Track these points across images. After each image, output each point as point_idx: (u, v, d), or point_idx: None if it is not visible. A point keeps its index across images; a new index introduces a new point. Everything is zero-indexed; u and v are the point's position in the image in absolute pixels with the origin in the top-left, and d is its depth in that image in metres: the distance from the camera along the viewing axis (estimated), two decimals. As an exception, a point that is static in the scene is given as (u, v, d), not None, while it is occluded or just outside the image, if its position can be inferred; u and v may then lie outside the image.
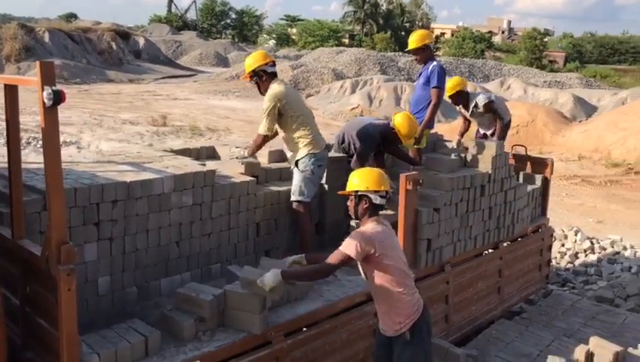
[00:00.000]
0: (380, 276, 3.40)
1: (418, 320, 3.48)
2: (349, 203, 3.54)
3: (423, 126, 5.76)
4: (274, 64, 4.78)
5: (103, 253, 3.70)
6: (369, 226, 3.42)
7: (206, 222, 4.26)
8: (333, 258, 3.36)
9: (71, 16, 75.73)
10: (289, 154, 4.88)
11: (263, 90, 4.74)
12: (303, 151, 4.72)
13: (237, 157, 5.02)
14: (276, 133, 4.99)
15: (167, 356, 3.30)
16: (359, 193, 3.46)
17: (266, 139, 4.83)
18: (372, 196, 3.43)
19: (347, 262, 3.36)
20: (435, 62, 5.90)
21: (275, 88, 4.67)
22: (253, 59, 4.75)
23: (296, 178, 4.75)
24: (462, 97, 6.64)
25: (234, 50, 57.32)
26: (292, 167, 4.83)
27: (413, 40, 5.95)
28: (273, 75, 4.75)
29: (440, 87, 5.79)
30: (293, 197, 4.72)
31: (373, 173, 3.55)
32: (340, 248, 3.35)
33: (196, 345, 3.43)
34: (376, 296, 3.55)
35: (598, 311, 6.54)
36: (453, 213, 5.13)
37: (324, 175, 5.04)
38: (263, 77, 4.71)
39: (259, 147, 4.91)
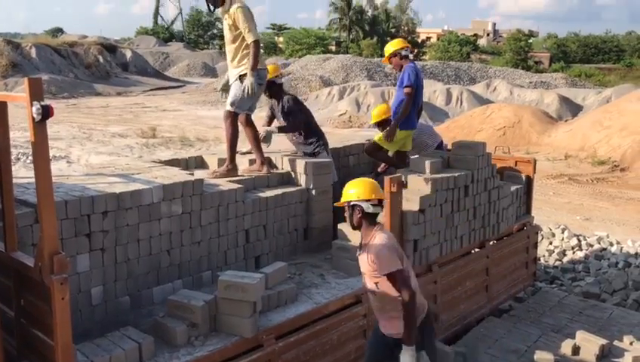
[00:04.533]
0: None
1: (423, 322, 3.58)
2: (345, 214, 3.65)
3: (395, 123, 5.86)
4: None
5: (95, 263, 3.77)
6: (380, 238, 3.49)
7: (196, 230, 4.35)
8: (401, 287, 3.39)
9: (57, 31, 75.63)
10: (233, 71, 5.14)
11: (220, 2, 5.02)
12: (248, 67, 4.97)
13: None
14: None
15: (160, 361, 3.38)
16: (352, 203, 3.56)
17: (259, 43, 5.05)
18: (364, 205, 3.52)
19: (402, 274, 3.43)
20: (408, 65, 6.00)
21: (242, 1, 5.01)
22: None
23: (236, 91, 5.05)
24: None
25: (222, 60, 57.29)
26: (232, 81, 5.14)
27: (385, 51, 6.17)
28: None
29: (409, 85, 5.88)
30: (228, 108, 5.08)
31: (365, 182, 3.65)
32: (388, 273, 3.40)
33: (189, 350, 3.50)
34: (384, 302, 3.57)
35: (584, 307, 6.66)
36: (438, 213, 5.24)
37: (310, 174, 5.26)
38: None
39: (257, 55, 5.04)
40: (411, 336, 3.42)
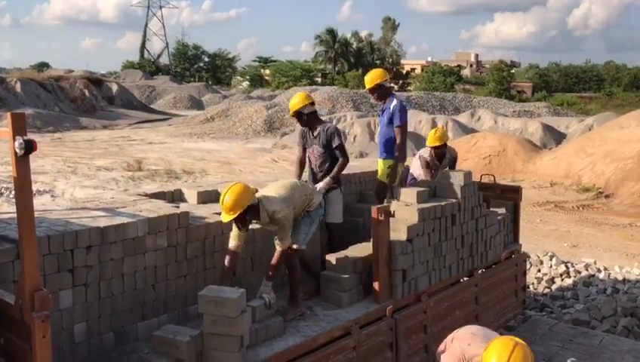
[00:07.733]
0: None
1: None
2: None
3: (396, 161, 5.84)
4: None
5: (78, 299, 3.69)
6: None
7: (181, 263, 4.28)
8: None
9: (43, 66, 75.70)
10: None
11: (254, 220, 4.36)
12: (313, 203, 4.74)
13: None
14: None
15: (145, 400, 3.28)
16: None
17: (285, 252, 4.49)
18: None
19: None
20: (395, 101, 5.92)
21: (283, 212, 4.31)
22: (242, 197, 4.12)
23: (305, 226, 4.66)
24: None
25: (208, 93, 57.77)
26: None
27: (367, 80, 6.03)
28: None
29: (402, 125, 5.87)
30: (295, 245, 4.55)
31: None
32: None
33: (175, 388, 3.41)
34: None
35: (574, 334, 6.63)
36: (426, 242, 5.22)
37: None
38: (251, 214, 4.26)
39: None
40: None
